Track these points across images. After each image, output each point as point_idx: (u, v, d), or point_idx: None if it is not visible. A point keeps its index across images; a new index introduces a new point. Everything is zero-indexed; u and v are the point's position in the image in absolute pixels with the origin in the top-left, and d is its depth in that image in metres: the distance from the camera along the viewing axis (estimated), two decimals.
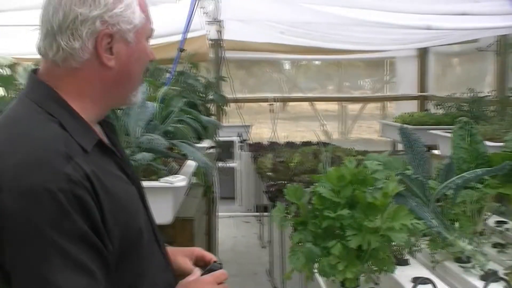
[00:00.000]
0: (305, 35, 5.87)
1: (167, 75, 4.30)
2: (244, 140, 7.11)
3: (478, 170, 1.88)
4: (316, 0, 4.37)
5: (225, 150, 7.06)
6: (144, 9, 1.33)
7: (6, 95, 2.47)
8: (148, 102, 2.84)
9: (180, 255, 1.57)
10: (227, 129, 7.13)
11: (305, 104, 9.06)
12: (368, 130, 9.40)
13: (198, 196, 3.20)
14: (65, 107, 1.23)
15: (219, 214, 5.22)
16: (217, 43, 7.09)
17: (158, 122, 2.87)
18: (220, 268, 1.52)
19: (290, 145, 6.31)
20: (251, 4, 5.02)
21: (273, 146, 6.48)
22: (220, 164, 6.73)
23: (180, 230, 2.60)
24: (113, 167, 1.29)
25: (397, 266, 1.93)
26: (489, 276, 1.74)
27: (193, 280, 1.45)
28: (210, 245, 3.95)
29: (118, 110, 2.62)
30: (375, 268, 1.72)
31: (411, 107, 7.94)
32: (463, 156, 2.20)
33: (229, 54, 7.68)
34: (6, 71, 2.63)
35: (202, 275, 1.49)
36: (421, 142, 1.98)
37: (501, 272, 1.82)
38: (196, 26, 4.87)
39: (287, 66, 9.06)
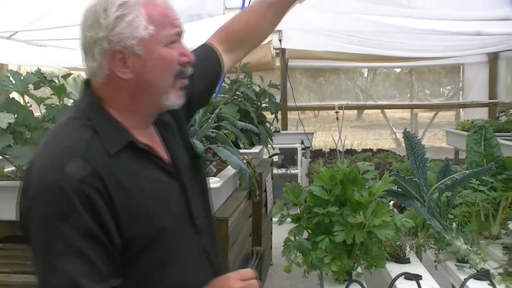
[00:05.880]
0: (361, 43, 5.92)
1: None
2: (307, 147, 7.18)
3: (466, 171, 1.92)
4: (368, 10, 4.42)
5: (289, 157, 7.16)
6: (154, 20, 1.41)
7: (58, 103, 2.68)
8: None
9: None
10: (292, 136, 7.24)
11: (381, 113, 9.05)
12: (442, 139, 9.23)
13: (239, 198, 3.33)
14: (104, 114, 1.42)
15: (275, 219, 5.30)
16: (282, 52, 7.27)
17: (198, 128, 3.05)
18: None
19: (350, 152, 6.37)
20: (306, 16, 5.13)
21: (331, 153, 6.57)
22: (283, 170, 6.86)
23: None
24: (146, 167, 1.43)
25: (397, 264, 2.01)
26: (480, 274, 1.79)
27: (221, 277, 1.51)
28: (257, 246, 4.07)
29: None
30: (366, 264, 1.82)
31: (482, 114, 7.75)
32: (476, 160, 2.24)
33: (299, 63, 7.80)
34: (59, 81, 2.86)
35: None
36: (422, 145, 2.04)
37: (495, 271, 1.87)
38: None
39: (365, 74, 9.01)
